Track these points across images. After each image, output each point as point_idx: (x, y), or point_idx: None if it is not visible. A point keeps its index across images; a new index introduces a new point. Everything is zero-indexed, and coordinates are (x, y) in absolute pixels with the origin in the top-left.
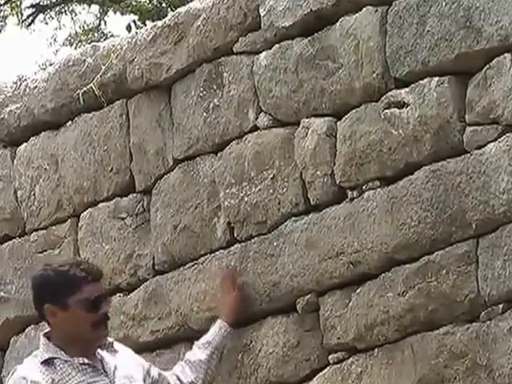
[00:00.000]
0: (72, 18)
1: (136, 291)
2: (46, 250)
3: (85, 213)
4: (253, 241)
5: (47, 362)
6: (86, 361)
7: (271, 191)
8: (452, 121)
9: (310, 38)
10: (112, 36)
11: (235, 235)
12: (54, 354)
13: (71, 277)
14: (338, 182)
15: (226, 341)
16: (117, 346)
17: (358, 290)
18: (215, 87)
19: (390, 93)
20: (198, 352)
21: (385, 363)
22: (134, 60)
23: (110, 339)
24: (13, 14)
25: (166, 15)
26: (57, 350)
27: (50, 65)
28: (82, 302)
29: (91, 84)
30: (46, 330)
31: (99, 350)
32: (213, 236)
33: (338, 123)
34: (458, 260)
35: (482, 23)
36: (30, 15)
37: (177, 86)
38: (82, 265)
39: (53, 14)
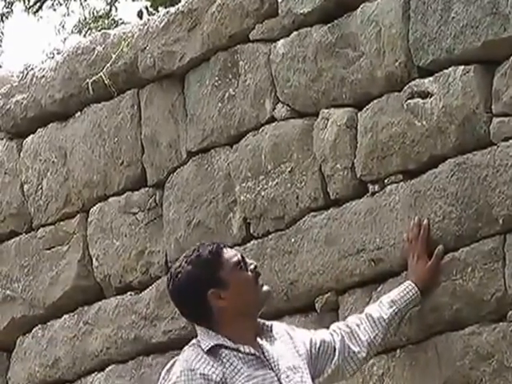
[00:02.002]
0: (81, 4)
1: (148, 290)
2: (53, 247)
3: (94, 208)
4: (270, 237)
5: (212, 351)
6: (252, 350)
7: (289, 185)
8: (478, 111)
9: (329, 24)
10: (123, 23)
11: (251, 231)
12: (217, 340)
13: (208, 255)
14: (358, 175)
15: (411, 304)
16: (276, 331)
17: (379, 289)
18: (231, 76)
19: (413, 82)
20: (382, 309)
21: (408, 365)
22: (145, 48)
23: (268, 323)
24: (19, 0)
25: (180, 1)
26: (219, 337)
27: (58, 53)
28: (235, 267)
29: (101, 73)
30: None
31: (258, 339)
32: (228, 232)
33: (359, 114)
34: (484, 257)
35: (509, 9)
36: (37, 1)
37: (190, 76)
38: (204, 244)
39: None
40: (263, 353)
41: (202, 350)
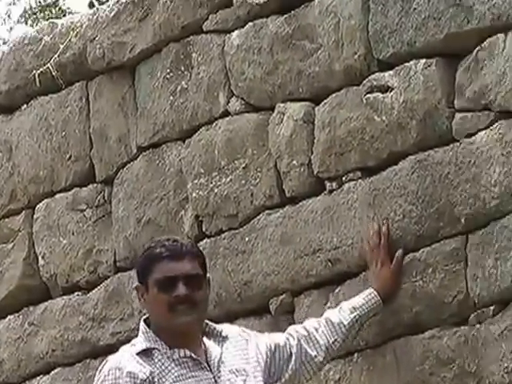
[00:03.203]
0: None
1: (96, 290)
2: None
3: (41, 204)
4: (223, 236)
5: (145, 353)
6: (188, 353)
7: (243, 182)
8: (440, 106)
9: (286, 15)
10: (71, 13)
11: (204, 229)
12: (152, 344)
13: (150, 255)
14: (315, 172)
15: (372, 312)
16: (227, 333)
17: (336, 290)
18: (183, 69)
19: (372, 76)
20: (342, 315)
21: (365, 369)
22: (94, 39)
23: (218, 328)
24: None
25: None
26: (156, 340)
27: (4, 43)
28: (155, 282)
29: (48, 64)
30: (146, 316)
31: (205, 339)
32: (179, 230)
33: (316, 108)
34: (445, 258)
35: (473, 1)
36: None
37: (141, 67)
38: (168, 241)
39: None
40: (206, 355)
41: (135, 351)
